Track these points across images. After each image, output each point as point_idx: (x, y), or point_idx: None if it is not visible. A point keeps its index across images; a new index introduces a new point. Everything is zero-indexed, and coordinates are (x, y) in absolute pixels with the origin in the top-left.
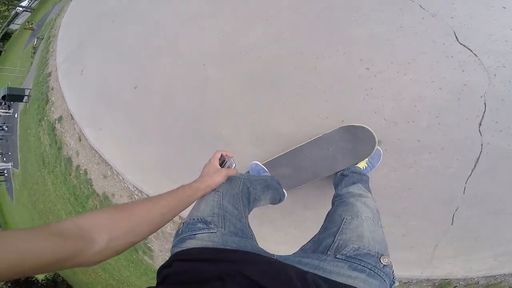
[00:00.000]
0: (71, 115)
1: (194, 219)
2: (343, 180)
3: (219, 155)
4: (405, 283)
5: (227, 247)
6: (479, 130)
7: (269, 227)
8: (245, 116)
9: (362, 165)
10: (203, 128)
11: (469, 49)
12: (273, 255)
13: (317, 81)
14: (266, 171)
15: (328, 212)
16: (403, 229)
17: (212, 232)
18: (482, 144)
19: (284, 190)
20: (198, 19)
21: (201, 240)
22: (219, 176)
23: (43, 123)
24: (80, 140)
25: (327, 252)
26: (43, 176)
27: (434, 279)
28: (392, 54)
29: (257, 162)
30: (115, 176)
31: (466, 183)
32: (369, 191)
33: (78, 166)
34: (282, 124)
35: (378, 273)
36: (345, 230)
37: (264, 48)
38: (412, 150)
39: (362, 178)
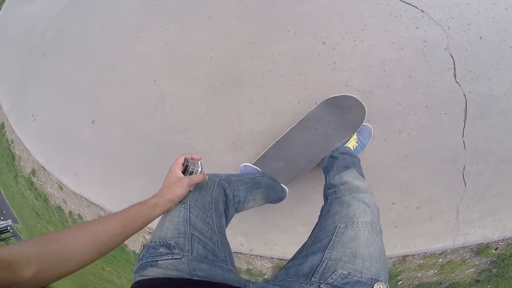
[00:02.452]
0: (42, 167)
1: (155, 241)
2: (334, 164)
3: (181, 160)
4: (440, 254)
5: (195, 277)
6: (456, 81)
7: (276, 231)
8: (215, 124)
9: (352, 144)
10: (174, 147)
11: (413, 5)
12: (249, 282)
13: (277, 68)
14: (259, 170)
15: (322, 210)
16: (415, 201)
17: (176, 259)
18: (464, 94)
19: (284, 186)
20: (133, 34)
21: (164, 268)
22: (181, 187)
23: (20, 180)
24: (61, 188)
25: (311, 278)
26: (45, 227)
27: (469, 245)
28: (343, 23)
29: (247, 164)
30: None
31: (463, 137)
32: (364, 177)
33: (70, 212)
34: (255, 122)
35: None
36: (337, 245)
37: (214, 47)
38: (397, 115)
39: (354, 161)
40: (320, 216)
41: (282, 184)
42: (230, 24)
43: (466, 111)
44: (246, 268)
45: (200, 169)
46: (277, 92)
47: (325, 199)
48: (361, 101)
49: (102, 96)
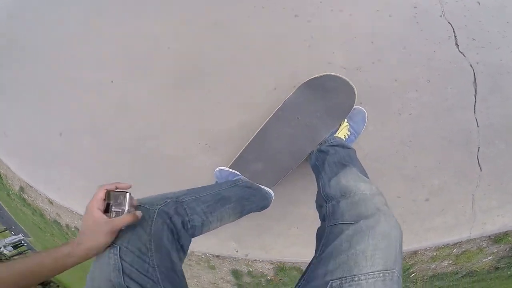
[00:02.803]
0: (28, 184)
1: None
2: (325, 161)
3: (101, 195)
4: (454, 244)
5: None
6: (460, 51)
7: (270, 236)
8: (184, 124)
9: (343, 133)
10: (149, 153)
11: None
12: None
13: (246, 50)
14: (237, 174)
15: (318, 238)
16: (424, 193)
17: None
18: (471, 65)
19: (269, 190)
20: (79, 36)
21: None
22: (102, 236)
23: (13, 197)
24: (51, 203)
25: None
26: (52, 239)
27: (488, 235)
28: None
29: (222, 168)
30: None
31: (475, 113)
32: (366, 174)
33: (67, 225)
34: (228, 117)
35: None
36: None
37: (172, 36)
38: (394, 93)
39: (349, 153)
40: (316, 249)
41: (265, 188)
42: (187, 7)
43: (475, 84)
44: (247, 271)
45: (126, 207)
46: (248, 79)
47: (322, 218)
48: (348, 80)
49: (61, 105)
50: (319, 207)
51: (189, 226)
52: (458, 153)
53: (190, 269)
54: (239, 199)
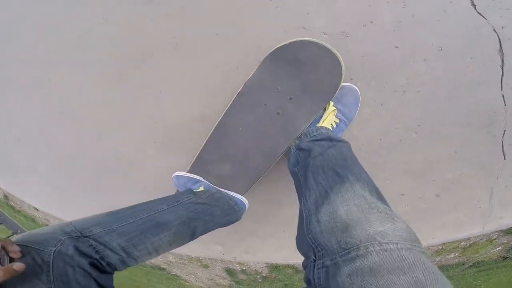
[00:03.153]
0: (9, 192)
1: None
2: (308, 169)
3: None
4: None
5: None
6: (478, 12)
7: (255, 239)
8: (133, 121)
9: (329, 121)
10: (97, 159)
11: None
12: None
13: (195, 23)
14: (198, 180)
15: None
16: (433, 188)
17: None
18: (495, 30)
19: (239, 197)
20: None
21: None
22: None
23: (3, 205)
24: (37, 209)
25: None
26: None
27: (502, 229)
28: None
29: (179, 174)
30: None
31: (502, 89)
32: (378, 190)
33: None
34: (182, 108)
35: None
36: None
37: (104, 18)
38: (395, 64)
39: (343, 154)
40: None
41: (235, 196)
42: None
43: (502, 53)
44: (240, 269)
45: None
46: (202, 59)
47: (306, 281)
48: (329, 46)
49: (8, 111)
50: (302, 254)
51: (104, 264)
52: (478, 139)
53: (184, 267)
54: (186, 221)
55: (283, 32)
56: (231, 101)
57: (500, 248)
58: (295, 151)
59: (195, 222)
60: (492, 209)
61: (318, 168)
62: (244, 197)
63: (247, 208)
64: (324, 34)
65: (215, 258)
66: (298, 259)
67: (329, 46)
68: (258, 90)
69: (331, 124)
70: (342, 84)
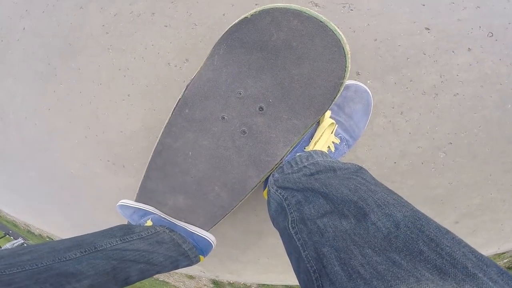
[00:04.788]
0: None
1: None
2: (319, 238)
3: None
4: None
5: None
6: None
7: (237, 263)
8: (71, 132)
9: (324, 143)
10: (46, 175)
11: None
12: None
13: (130, 4)
14: (148, 211)
15: None
16: (454, 216)
17: None
18: None
19: (203, 235)
20: None
21: None
22: None
23: None
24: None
25: None
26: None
27: None
28: None
29: (124, 203)
30: None
31: None
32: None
33: (40, 234)
34: (124, 117)
35: None
36: None
37: (25, 11)
38: (424, 54)
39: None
40: None
41: (199, 233)
42: None
43: None
44: (227, 282)
45: None
46: (141, 51)
47: None
48: (322, 18)
49: None
50: None
51: None
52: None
53: (171, 276)
54: (107, 271)
55: (253, 3)
56: (170, 114)
57: (507, 260)
58: (276, 191)
59: (125, 271)
60: (511, 231)
61: (341, 240)
62: (211, 233)
63: (214, 247)
64: (315, 5)
65: (196, 276)
66: (288, 281)
67: (322, 18)
68: (210, 97)
69: (328, 146)
70: (346, 82)
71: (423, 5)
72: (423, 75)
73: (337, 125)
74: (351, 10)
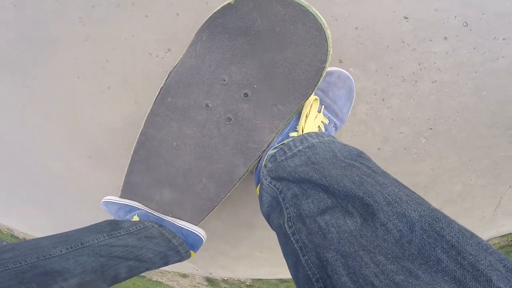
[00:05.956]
0: None
1: None
2: (322, 241)
3: None
4: None
5: None
6: None
7: (228, 258)
8: (48, 128)
9: (313, 122)
10: (28, 175)
11: None
12: None
13: None
14: (134, 207)
15: None
16: (436, 202)
17: None
18: None
19: (193, 230)
20: None
21: None
22: None
23: None
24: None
25: None
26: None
27: (501, 235)
28: None
29: (108, 199)
30: None
31: None
32: None
33: (24, 238)
34: (103, 109)
35: None
36: None
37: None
38: (403, 42)
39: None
40: None
41: (188, 228)
42: None
43: None
44: (221, 279)
45: None
46: (121, 42)
47: None
48: (304, 2)
49: None
50: None
51: None
52: (499, 145)
53: (164, 276)
54: (95, 268)
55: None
56: (153, 103)
57: None
58: (270, 183)
59: (114, 268)
60: (495, 219)
61: (347, 244)
62: (200, 227)
63: (204, 241)
64: None
65: (189, 274)
66: (282, 274)
67: (304, 3)
68: (193, 84)
69: (318, 126)
70: (328, 68)
71: None
72: (402, 62)
73: (323, 107)
74: None
